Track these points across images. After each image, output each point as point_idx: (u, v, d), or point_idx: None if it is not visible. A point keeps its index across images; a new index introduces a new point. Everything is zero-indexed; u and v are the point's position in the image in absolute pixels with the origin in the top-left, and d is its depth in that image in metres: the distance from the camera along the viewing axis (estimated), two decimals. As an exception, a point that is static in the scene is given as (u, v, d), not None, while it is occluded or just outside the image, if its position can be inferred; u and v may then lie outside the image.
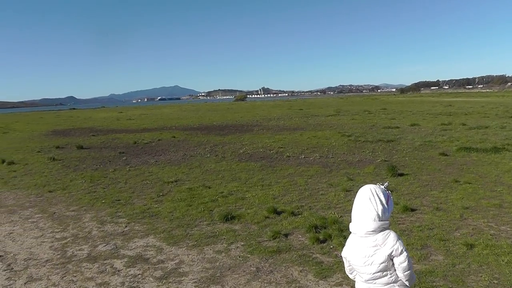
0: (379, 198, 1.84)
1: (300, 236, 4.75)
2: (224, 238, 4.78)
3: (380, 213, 1.82)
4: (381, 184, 1.95)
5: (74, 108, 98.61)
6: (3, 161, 10.97)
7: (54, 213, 6.25)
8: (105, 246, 4.81)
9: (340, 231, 4.68)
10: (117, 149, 13.00)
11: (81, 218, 5.96)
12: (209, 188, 7.06)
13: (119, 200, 6.72)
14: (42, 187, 7.94)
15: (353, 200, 1.95)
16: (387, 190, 1.92)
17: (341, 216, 5.24)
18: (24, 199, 7.11)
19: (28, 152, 13.32)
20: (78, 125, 26.61)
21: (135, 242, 4.89)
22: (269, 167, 8.81)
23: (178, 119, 27.67)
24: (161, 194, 6.81)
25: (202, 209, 5.76)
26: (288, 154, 10.51)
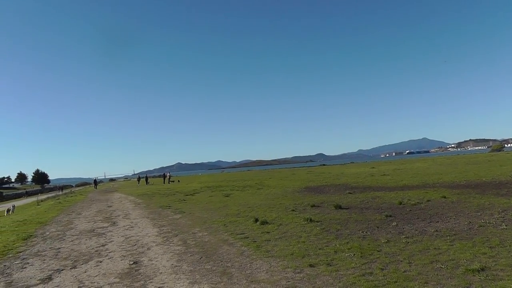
0: None
1: None
2: None
3: None
4: None
5: (324, 164, 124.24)
6: (256, 220, 12.50)
7: (322, 304, 5.39)
8: None
9: None
10: (382, 211, 13.36)
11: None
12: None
13: (410, 294, 5.58)
14: (300, 258, 7.81)
15: None
16: None
17: None
18: (279, 274, 6.91)
19: (281, 210, 15.24)
20: (331, 181, 30.82)
21: None
22: None
23: (438, 175, 29.20)
24: (472, 294, 5.70)
25: None
26: None
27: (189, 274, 7.24)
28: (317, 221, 11.80)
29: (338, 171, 50.17)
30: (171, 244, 10.11)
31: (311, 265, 7.21)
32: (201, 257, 8.45)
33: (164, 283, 6.79)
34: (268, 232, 10.67)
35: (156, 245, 10.20)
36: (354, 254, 7.74)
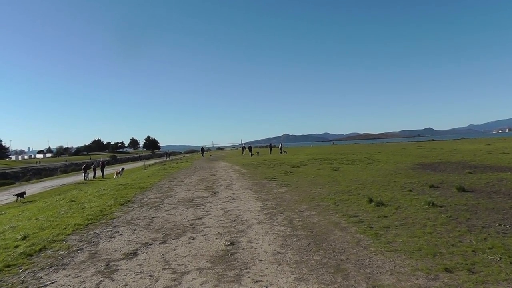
0: None
1: None
2: None
3: None
4: None
5: (433, 139, 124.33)
6: (371, 200, 11.39)
7: None
8: None
9: None
10: (513, 197, 11.71)
11: None
12: None
13: None
14: (431, 257, 6.42)
15: None
16: None
17: None
18: (407, 279, 5.59)
19: (397, 189, 14.04)
20: (445, 158, 28.92)
21: None
22: None
23: None
24: None
25: None
26: None
27: (295, 266, 6.14)
28: (441, 206, 10.48)
29: (451, 147, 49.35)
30: (274, 223, 9.18)
31: (447, 270, 5.79)
32: (309, 244, 7.33)
33: (264, 275, 5.77)
34: (386, 216, 9.46)
35: (257, 223, 9.34)
36: (500, 258, 6.16)
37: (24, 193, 25.99)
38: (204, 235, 8.36)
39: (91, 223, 10.10)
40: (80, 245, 7.94)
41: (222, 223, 9.44)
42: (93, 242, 8.13)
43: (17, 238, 8.62)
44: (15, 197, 25.15)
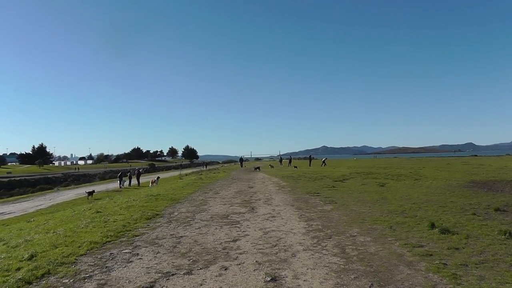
0: None
1: None
2: None
3: None
4: None
5: (475, 155, 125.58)
6: (433, 225, 9.75)
7: None
8: None
9: None
10: None
11: None
12: None
13: None
14: None
15: None
16: None
17: None
18: None
19: (457, 212, 12.39)
20: (499, 176, 26.83)
21: None
22: None
23: None
24: None
25: None
26: None
27: (359, 321, 4.57)
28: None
29: (499, 164, 45.81)
30: (324, 252, 7.59)
31: None
32: (372, 285, 5.67)
33: (319, 335, 4.25)
34: (457, 249, 7.69)
35: (303, 249, 7.78)
36: None
37: (93, 191, 30.74)
38: (239, 264, 6.87)
39: (109, 241, 8.79)
40: (90, 270, 6.59)
41: (261, 249, 7.93)
42: (106, 267, 6.77)
43: (23, 257, 7.42)
44: (87, 195, 29.58)
